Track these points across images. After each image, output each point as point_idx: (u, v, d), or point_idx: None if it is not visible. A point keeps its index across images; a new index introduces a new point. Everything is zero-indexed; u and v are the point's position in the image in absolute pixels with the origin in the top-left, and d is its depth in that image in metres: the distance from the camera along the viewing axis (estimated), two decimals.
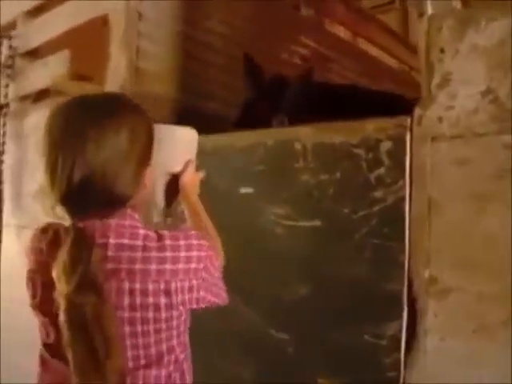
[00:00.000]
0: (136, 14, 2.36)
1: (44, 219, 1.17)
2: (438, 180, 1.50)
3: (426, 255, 1.51)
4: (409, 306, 1.54)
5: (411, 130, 1.55)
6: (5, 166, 2.98)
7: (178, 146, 1.52)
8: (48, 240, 1.14)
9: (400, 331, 1.53)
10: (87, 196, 1.08)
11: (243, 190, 1.89)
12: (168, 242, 1.12)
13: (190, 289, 1.14)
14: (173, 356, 1.15)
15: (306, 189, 1.73)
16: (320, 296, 1.69)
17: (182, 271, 1.12)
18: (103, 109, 1.13)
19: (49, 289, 1.08)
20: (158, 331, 1.10)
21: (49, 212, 1.13)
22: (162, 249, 1.10)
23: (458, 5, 1.60)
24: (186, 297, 1.13)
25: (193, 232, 1.21)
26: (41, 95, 3.08)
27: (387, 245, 1.56)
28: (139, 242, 1.09)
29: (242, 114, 2.37)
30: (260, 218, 1.83)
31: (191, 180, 1.53)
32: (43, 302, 1.12)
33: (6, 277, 2.81)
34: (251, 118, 2.26)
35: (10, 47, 3.04)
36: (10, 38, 3.05)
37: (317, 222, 1.70)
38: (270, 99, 2.28)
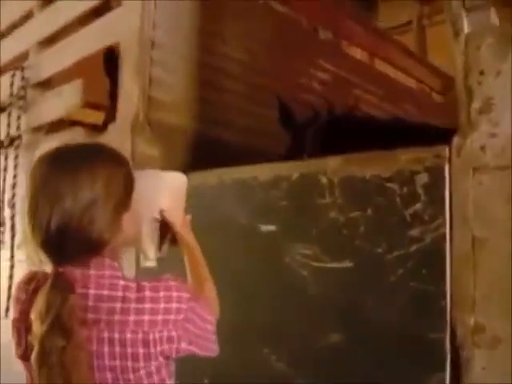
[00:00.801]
0: (149, 42, 2.26)
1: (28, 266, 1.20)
2: (482, 216, 1.36)
3: (470, 300, 1.37)
4: (452, 357, 1.39)
5: (450, 161, 1.42)
6: (17, 199, 2.89)
7: (164, 191, 1.49)
8: (31, 289, 1.16)
9: None
10: (65, 242, 1.11)
11: (265, 228, 1.76)
12: (148, 293, 1.14)
13: (170, 339, 1.15)
14: None
15: (335, 227, 1.59)
16: (352, 345, 1.54)
17: (161, 322, 1.13)
18: (80, 158, 1.16)
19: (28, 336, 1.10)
20: (138, 379, 1.12)
21: (33, 257, 1.15)
22: (140, 300, 1.13)
23: (496, 21, 1.47)
24: (166, 347, 1.14)
25: (173, 283, 1.20)
26: (54, 126, 3.01)
27: (426, 288, 1.42)
28: (119, 293, 1.12)
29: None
30: (284, 258, 1.69)
31: (183, 223, 1.51)
32: (27, 350, 1.13)
33: None
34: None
35: (23, 78, 2.97)
36: (22, 69, 2.98)
37: (347, 263, 1.56)
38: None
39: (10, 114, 2.99)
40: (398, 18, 6.31)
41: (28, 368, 1.15)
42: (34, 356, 1.05)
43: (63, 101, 2.75)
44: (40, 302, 1.08)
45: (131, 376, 1.11)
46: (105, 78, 2.64)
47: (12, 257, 2.82)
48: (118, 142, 2.05)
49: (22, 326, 1.16)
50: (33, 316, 1.08)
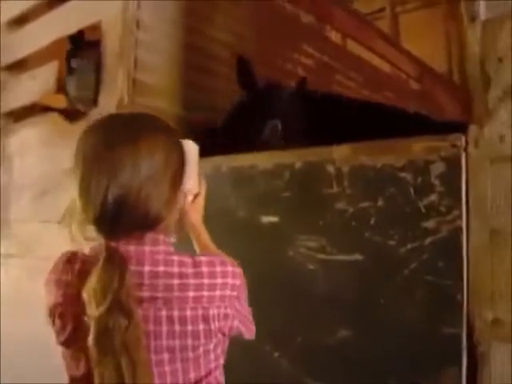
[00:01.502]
0: (134, 22, 2.14)
1: (67, 246, 1.12)
2: (500, 208, 1.31)
3: (488, 294, 1.32)
4: (469, 353, 1.34)
5: (466, 151, 1.36)
6: None
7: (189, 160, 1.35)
8: (77, 270, 1.10)
9: (459, 380, 1.33)
10: (121, 217, 1.05)
11: (266, 219, 1.68)
12: (205, 268, 1.10)
13: (226, 316, 1.12)
14: (211, 379, 1.13)
15: (343, 218, 1.52)
16: (363, 341, 1.48)
17: (219, 297, 1.10)
18: (137, 129, 1.10)
19: (80, 320, 1.05)
20: (197, 357, 1.09)
21: (76, 234, 1.10)
22: (198, 275, 1.08)
23: None
24: (222, 323, 1.11)
25: (227, 259, 1.18)
26: (25, 111, 2.85)
27: (442, 282, 1.36)
28: (175, 269, 1.07)
29: (232, 118, 2.24)
30: (288, 251, 1.62)
31: (197, 201, 1.42)
32: (74, 334, 1.08)
33: None
34: (241, 123, 2.14)
35: None
36: None
37: (357, 256, 1.49)
38: (263, 104, 2.15)
39: None
40: (371, 5, 6.28)
41: (70, 355, 1.11)
42: (92, 338, 1.00)
43: (37, 85, 2.60)
44: (94, 282, 1.02)
45: (190, 355, 1.07)
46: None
47: None
48: None
49: (66, 311, 1.09)
50: (86, 297, 1.02)
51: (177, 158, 1.15)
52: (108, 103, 2.16)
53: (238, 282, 1.14)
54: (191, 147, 1.38)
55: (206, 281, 1.08)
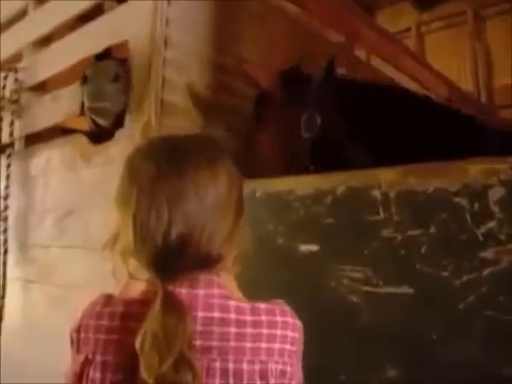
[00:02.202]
0: (162, 40, 2.07)
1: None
2: None
3: None
4: None
5: None
6: (10, 212, 2.67)
7: None
8: (119, 314, 0.98)
9: None
10: (184, 256, 0.95)
11: (305, 248, 1.57)
12: (264, 317, 0.99)
13: (283, 373, 0.99)
14: None
15: (390, 247, 1.40)
16: (412, 382, 1.35)
17: (278, 351, 0.98)
18: (199, 153, 1.01)
19: (127, 373, 0.93)
20: None
21: (119, 269, 0.99)
22: (257, 324, 0.97)
23: None
24: (278, 381, 0.98)
25: (287, 308, 1.06)
26: (49, 133, 2.80)
27: (503, 318, 1.24)
28: (232, 316, 0.97)
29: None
30: (329, 282, 1.50)
31: None
32: None
33: (8, 334, 2.49)
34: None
35: (16, 81, 2.75)
36: (15, 70, 2.77)
37: (406, 289, 1.37)
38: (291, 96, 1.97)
39: (1, 120, 2.78)
40: (396, 25, 6.22)
41: None
42: None
43: (61, 107, 2.54)
44: (152, 329, 0.90)
45: None
46: None
47: (4, 275, 2.59)
48: (127, 150, 1.85)
49: (108, 361, 0.96)
50: (139, 346, 0.90)
51: (239, 184, 1.06)
52: (135, 124, 2.08)
53: (297, 335, 1.03)
54: None
55: (264, 331, 0.98)
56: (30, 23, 2.89)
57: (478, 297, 1.27)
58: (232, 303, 0.98)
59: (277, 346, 0.98)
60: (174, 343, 0.89)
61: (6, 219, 2.65)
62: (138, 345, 0.91)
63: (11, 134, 2.71)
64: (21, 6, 2.96)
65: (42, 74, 2.70)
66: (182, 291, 0.95)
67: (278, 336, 0.98)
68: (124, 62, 2.19)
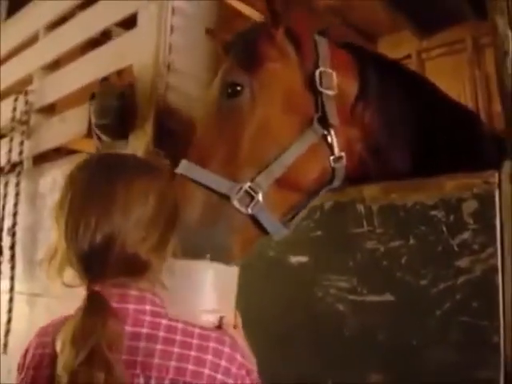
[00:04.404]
0: (165, 65, 2.18)
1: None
2: None
3: None
4: None
5: (500, 187, 1.34)
6: (18, 228, 2.76)
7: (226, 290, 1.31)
8: (52, 333, 1.04)
9: None
10: (108, 259, 0.99)
11: (295, 259, 1.65)
12: (195, 340, 1.00)
13: None
14: None
15: (373, 257, 1.49)
16: None
17: (207, 377, 0.98)
18: (132, 170, 1.07)
19: None
20: None
21: (55, 276, 1.04)
22: (185, 345, 0.99)
23: None
24: None
25: (227, 338, 1.06)
26: (57, 153, 2.91)
27: (477, 323, 1.32)
28: (160, 333, 0.99)
29: None
30: (317, 291, 1.59)
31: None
32: None
33: (14, 348, 2.56)
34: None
35: (26, 102, 2.88)
36: (25, 93, 2.89)
37: (388, 297, 1.46)
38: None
39: (11, 140, 2.89)
40: (396, 52, 6.32)
41: None
42: None
43: (67, 128, 2.65)
44: (72, 327, 0.94)
45: None
46: None
47: (11, 289, 2.68)
48: None
49: (39, 373, 1.01)
50: (59, 343, 0.95)
51: (170, 203, 1.11)
52: (137, 143, 2.18)
53: (233, 369, 1.01)
54: (232, 273, 1.33)
55: (193, 353, 0.98)
56: (40, 48, 3.02)
57: (453, 303, 1.35)
58: (163, 321, 1.00)
59: (206, 371, 0.98)
60: (89, 336, 0.91)
61: (14, 235, 2.74)
62: (58, 345, 0.95)
63: (21, 153, 2.82)
64: (32, 32, 3.09)
65: (51, 97, 2.82)
66: (113, 301, 0.99)
67: (207, 361, 0.98)
68: (128, 87, 2.30)
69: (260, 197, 1.40)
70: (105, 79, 2.42)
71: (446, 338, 1.36)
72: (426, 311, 1.39)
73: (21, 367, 1.10)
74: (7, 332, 2.60)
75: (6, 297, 2.68)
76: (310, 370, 1.56)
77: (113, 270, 1.00)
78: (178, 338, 0.99)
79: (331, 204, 1.60)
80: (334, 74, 1.57)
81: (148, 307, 1.02)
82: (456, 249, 1.37)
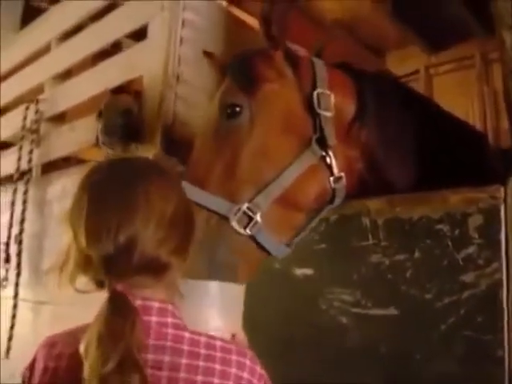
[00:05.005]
0: (174, 77, 2.20)
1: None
2: None
3: None
4: None
5: (505, 202, 1.34)
6: (24, 236, 2.78)
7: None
8: (63, 354, 1.02)
9: None
10: (130, 259, 0.98)
11: (300, 272, 1.66)
12: (219, 353, 1.00)
13: None
14: None
15: (378, 271, 1.49)
16: None
17: None
18: (150, 171, 1.08)
19: None
20: None
21: (65, 284, 1.02)
22: (210, 358, 0.98)
23: None
24: None
25: (248, 351, 1.06)
26: (66, 163, 2.94)
27: (481, 338, 1.31)
28: (184, 347, 0.97)
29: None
30: (322, 304, 1.59)
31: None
32: None
33: (16, 353, 2.56)
34: None
35: (37, 111, 2.91)
36: (37, 101, 2.93)
37: (392, 311, 1.46)
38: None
39: (21, 148, 2.92)
40: (404, 67, 6.35)
41: None
42: None
43: (77, 136, 2.68)
44: (97, 330, 0.91)
45: None
46: None
47: (16, 295, 2.69)
48: None
49: None
50: (83, 348, 0.92)
51: (188, 204, 1.12)
52: (146, 154, 2.20)
53: (255, 381, 1.02)
54: (238, 291, 1.34)
55: (217, 366, 0.98)
56: (52, 58, 3.06)
57: (458, 318, 1.35)
58: (187, 334, 0.99)
59: None
60: (119, 341, 0.89)
61: (20, 242, 2.76)
62: (82, 350, 0.91)
63: (29, 161, 2.84)
64: (45, 42, 3.13)
65: (62, 106, 2.85)
66: (138, 302, 0.97)
67: (231, 374, 0.98)
68: (138, 96, 2.32)
69: (258, 217, 1.41)
70: (116, 89, 2.45)
71: (450, 352, 1.35)
72: (430, 325, 1.39)
73: (27, 379, 1.08)
74: (10, 337, 2.61)
75: (10, 303, 2.68)
76: (313, 381, 1.56)
77: (134, 271, 1.00)
78: (203, 351, 0.98)
79: (336, 217, 1.61)
80: (332, 95, 1.59)
81: (170, 319, 1.01)
82: (461, 263, 1.36)
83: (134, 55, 2.40)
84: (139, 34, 2.40)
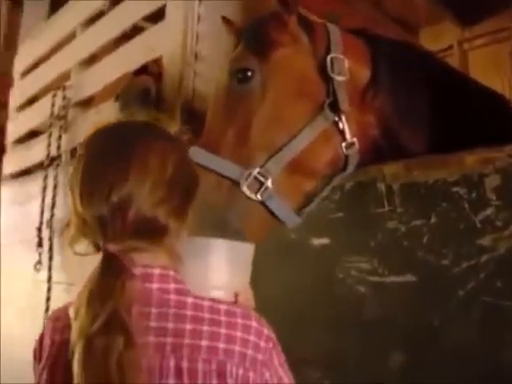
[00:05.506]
0: (192, 55, 2.20)
1: None
2: None
3: None
4: None
5: None
6: (55, 220, 2.83)
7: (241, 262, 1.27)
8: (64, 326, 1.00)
9: None
10: (124, 220, 0.96)
11: (317, 242, 1.63)
12: (223, 317, 0.98)
13: (244, 379, 0.95)
14: None
15: (394, 238, 1.46)
16: (417, 369, 1.39)
17: (238, 355, 0.95)
18: (151, 133, 1.07)
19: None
20: None
21: (75, 239, 1.03)
22: (214, 323, 0.96)
23: None
24: None
25: (253, 313, 1.03)
26: None
27: (500, 303, 1.27)
28: (188, 312, 0.96)
29: None
30: (339, 273, 1.56)
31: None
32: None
33: None
34: None
35: (64, 98, 2.95)
36: (64, 88, 2.97)
37: (410, 277, 1.42)
38: None
39: (50, 135, 2.97)
40: (438, 43, 6.20)
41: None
42: (78, 358, 0.86)
43: (101, 120, 2.69)
44: (88, 291, 0.90)
45: None
46: None
47: (49, 279, 2.75)
48: None
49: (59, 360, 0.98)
50: (74, 307, 0.92)
51: (189, 169, 1.10)
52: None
53: (262, 343, 0.99)
54: (247, 249, 1.29)
55: (223, 330, 0.96)
56: (77, 45, 3.09)
57: (476, 283, 1.31)
58: (189, 300, 0.97)
59: (237, 348, 0.95)
60: (108, 300, 0.88)
61: (52, 227, 2.81)
62: (71, 312, 0.91)
63: (58, 147, 2.89)
64: (70, 30, 3.17)
65: (87, 91, 2.89)
66: (132, 266, 0.95)
67: (237, 338, 0.96)
68: (159, 76, 2.33)
69: (269, 183, 1.40)
70: (136, 72, 2.46)
71: (469, 319, 1.31)
72: (447, 292, 1.35)
73: (38, 354, 1.08)
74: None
75: (44, 286, 2.75)
76: (331, 352, 1.54)
77: (131, 233, 0.98)
78: (207, 315, 0.97)
79: (351, 184, 1.58)
80: (346, 60, 1.56)
81: (172, 285, 0.99)
82: (479, 226, 1.32)
83: (153, 36, 2.41)
84: (158, 17, 2.41)
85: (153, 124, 1.12)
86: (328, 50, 1.56)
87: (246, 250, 1.26)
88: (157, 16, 2.43)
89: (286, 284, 1.65)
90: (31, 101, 3.57)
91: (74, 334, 0.89)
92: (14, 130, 3.73)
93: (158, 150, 1.03)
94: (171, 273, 1.01)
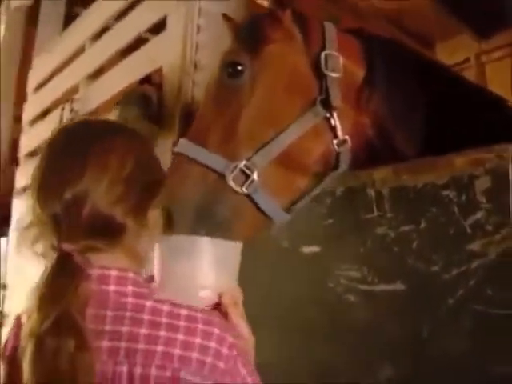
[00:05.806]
0: (192, 64, 2.20)
1: None
2: None
3: None
4: None
5: None
6: None
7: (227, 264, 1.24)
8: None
9: None
10: (79, 218, 0.94)
11: (308, 249, 1.59)
12: (182, 322, 0.94)
13: None
14: None
15: (384, 244, 1.41)
16: (406, 377, 1.33)
17: (195, 361, 0.91)
18: (109, 131, 1.06)
19: None
20: None
21: (36, 240, 0.99)
22: (172, 328, 0.92)
23: None
24: None
25: (216, 319, 0.99)
26: None
27: (491, 312, 1.21)
28: (145, 316, 0.93)
29: None
30: (329, 282, 1.51)
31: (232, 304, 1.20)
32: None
33: None
34: None
35: (71, 110, 2.98)
36: (71, 101, 3.00)
37: (399, 286, 1.37)
38: None
39: None
40: (454, 57, 6.15)
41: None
42: (28, 359, 0.84)
43: None
44: (39, 290, 0.88)
45: None
46: None
47: None
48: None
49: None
50: (28, 309, 0.91)
51: (150, 166, 1.07)
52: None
53: (225, 350, 0.94)
54: (234, 248, 1.26)
55: (180, 336, 0.92)
56: (85, 59, 3.13)
57: (466, 290, 1.25)
58: (148, 303, 0.94)
59: (194, 355, 0.91)
60: (59, 300, 0.85)
61: None
62: (23, 315, 0.90)
63: None
64: (79, 44, 3.22)
65: (94, 103, 2.91)
66: (89, 268, 0.93)
67: (195, 344, 0.92)
68: (161, 86, 2.34)
69: (255, 176, 1.37)
70: (142, 82, 2.47)
71: (458, 328, 1.25)
72: (437, 300, 1.29)
73: (1, 358, 1.06)
74: None
75: None
76: (321, 362, 1.49)
77: (86, 233, 0.95)
78: (164, 320, 0.93)
79: (342, 190, 1.54)
80: (341, 57, 1.53)
81: (130, 288, 0.96)
82: (468, 231, 1.26)
83: (154, 47, 2.42)
84: (159, 28, 2.43)
85: (112, 122, 1.13)
86: (323, 47, 1.54)
87: (234, 248, 1.24)
88: (158, 27, 2.44)
89: (276, 293, 1.61)
90: (43, 114, 3.62)
91: (25, 334, 0.87)
92: (26, 143, 3.78)
93: (117, 147, 1.01)
94: (130, 275, 0.98)
